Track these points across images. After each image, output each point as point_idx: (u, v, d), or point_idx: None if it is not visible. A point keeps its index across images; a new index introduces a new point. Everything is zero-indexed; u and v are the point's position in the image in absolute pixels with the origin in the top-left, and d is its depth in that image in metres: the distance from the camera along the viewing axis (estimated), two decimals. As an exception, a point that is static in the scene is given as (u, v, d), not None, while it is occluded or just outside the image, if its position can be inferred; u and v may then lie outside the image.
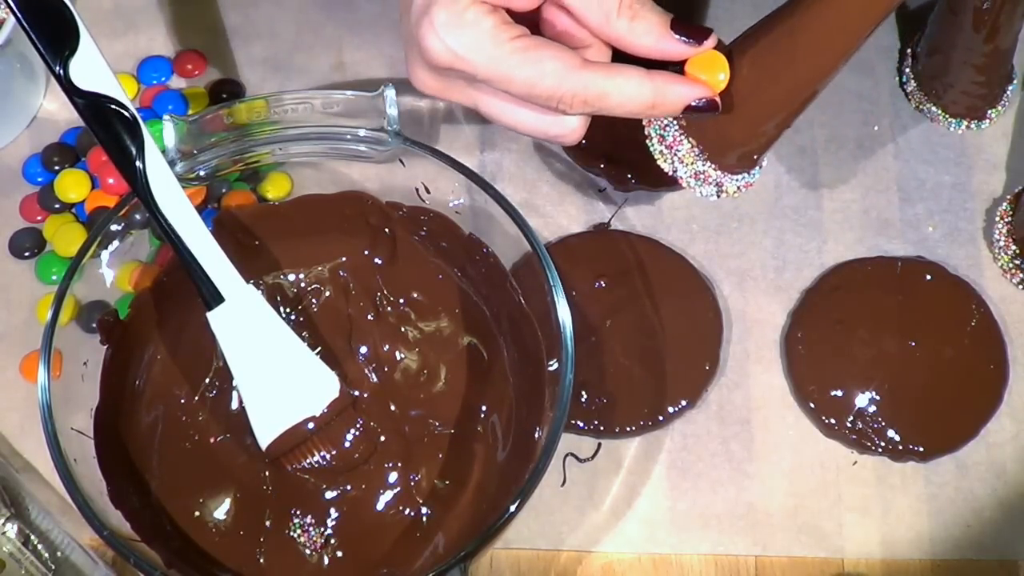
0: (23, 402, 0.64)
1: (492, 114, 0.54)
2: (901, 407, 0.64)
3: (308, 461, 0.58)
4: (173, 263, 0.61)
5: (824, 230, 0.70)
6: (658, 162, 0.59)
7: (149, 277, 0.62)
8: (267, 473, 0.60)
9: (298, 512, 0.60)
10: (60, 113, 0.72)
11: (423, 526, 0.60)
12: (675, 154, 0.58)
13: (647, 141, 0.59)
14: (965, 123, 0.71)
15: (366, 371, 0.63)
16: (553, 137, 0.55)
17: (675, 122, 0.57)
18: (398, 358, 0.63)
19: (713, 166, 0.57)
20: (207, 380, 0.62)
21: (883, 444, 0.64)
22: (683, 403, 0.64)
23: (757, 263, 0.69)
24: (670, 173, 0.59)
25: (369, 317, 0.63)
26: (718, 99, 0.52)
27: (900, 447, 0.64)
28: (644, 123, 0.59)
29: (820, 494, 0.64)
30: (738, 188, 0.59)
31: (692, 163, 0.57)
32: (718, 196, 0.59)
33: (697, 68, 0.52)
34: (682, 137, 0.57)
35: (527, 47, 0.51)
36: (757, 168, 0.59)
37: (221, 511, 0.60)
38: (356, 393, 0.61)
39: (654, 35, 0.51)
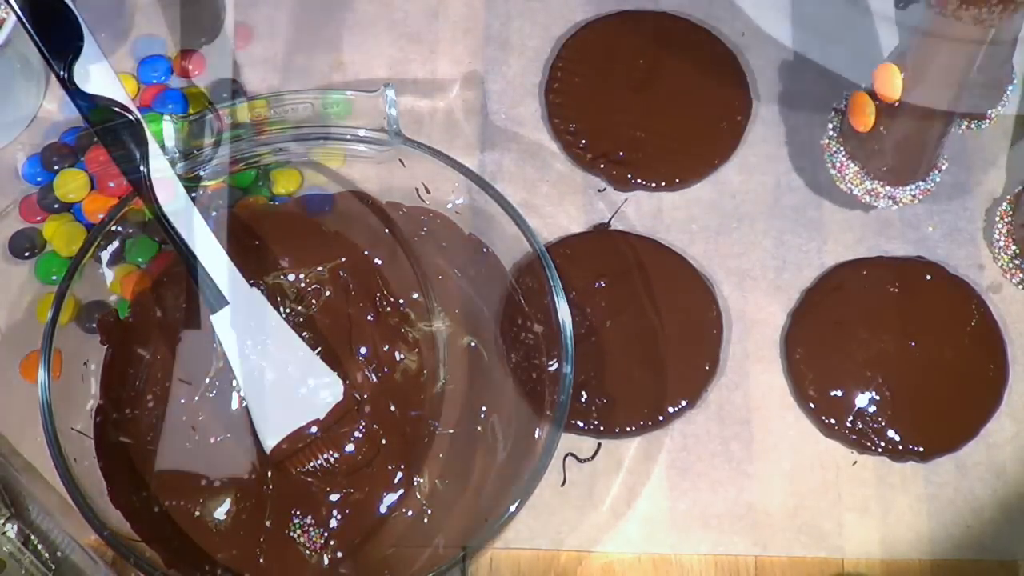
0: (23, 402, 0.64)
1: None
2: (901, 407, 0.64)
3: (312, 464, 0.58)
4: (173, 263, 0.61)
5: (824, 230, 0.69)
6: (836, 184, 0.66)
7: (148, 278, 0.62)
8: (267, 473, 0.60)
9: (298, 512, 0.60)
10: (59, 113, 0.72)
11: (423, 526, 0.60)
12: (844, 176, 0.66)
13: (827, 166, 0.66)
14: (965, 123, 0.71)
15: (366, 372, 0.63)
16: None
17: (842, 149, 0.64)
18: (398, 359, 0.63)
19: (881, 183, 0.64)
20: (207, 380, 0.62)
21: (883, 444, 0.64)
22: (683, 403, 0.64)
23: (757, 263, 0.69)
24: (847, 192, 0.66)
25: (369, 317, 0.63)
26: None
27: (900, 447, 0.64)
28: (823, 151, 0.66)
29: (820, 494, 0.64)
30: (913, 196, 0.65)
31: (861, 183, 0.65)
32: (897, 205, 0.66)
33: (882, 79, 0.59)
34: (848, 162, 0.65)
35: None
36: (933, 174, 0.64)
37: (221, 511, 0.60)
38: (357, 396, 0.61)
39: None
